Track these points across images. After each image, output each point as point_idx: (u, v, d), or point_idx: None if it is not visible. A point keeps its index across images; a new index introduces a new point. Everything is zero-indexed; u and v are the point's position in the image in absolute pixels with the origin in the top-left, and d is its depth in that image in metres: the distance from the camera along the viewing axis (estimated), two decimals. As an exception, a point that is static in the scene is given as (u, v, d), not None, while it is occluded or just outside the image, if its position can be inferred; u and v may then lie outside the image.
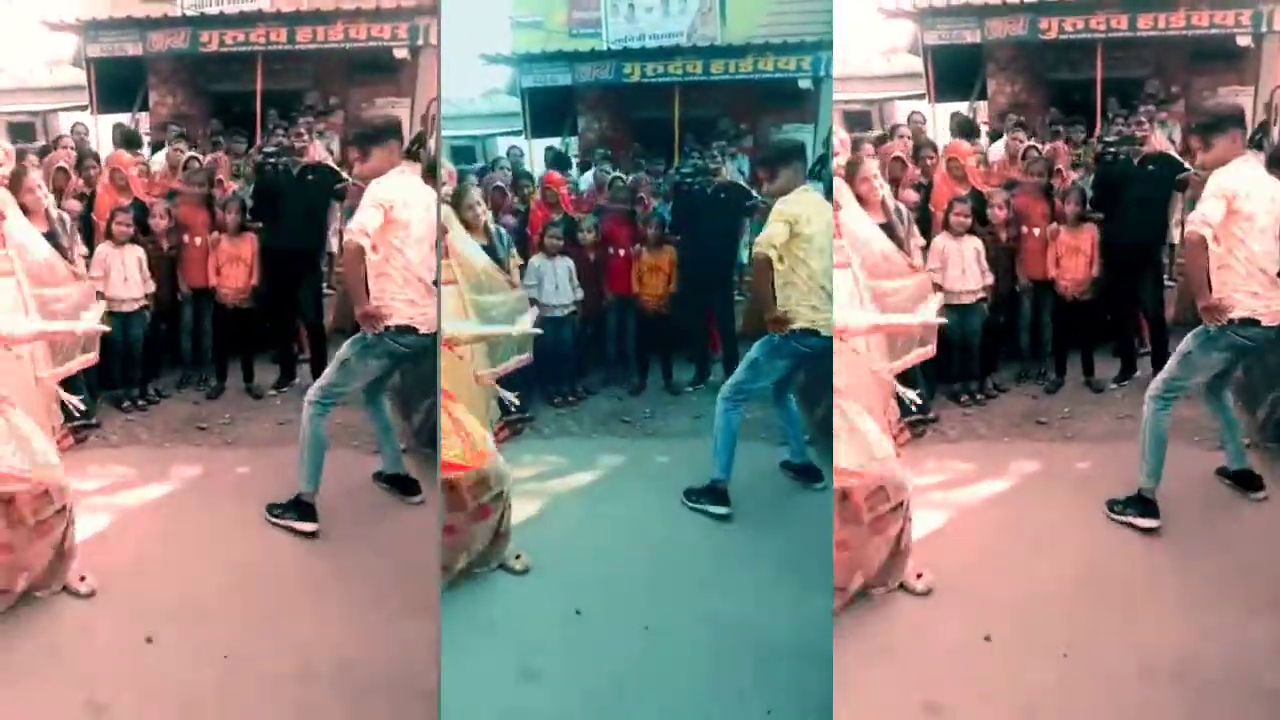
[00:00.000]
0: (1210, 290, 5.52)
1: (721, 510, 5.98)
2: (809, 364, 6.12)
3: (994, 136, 8.01)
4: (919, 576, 5.36)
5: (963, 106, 8.54)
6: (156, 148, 8.25)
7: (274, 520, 5.83)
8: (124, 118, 8.83)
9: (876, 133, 8.08)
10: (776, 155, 6.31)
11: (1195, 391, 5.89)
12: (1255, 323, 5.57)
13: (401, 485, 6.20)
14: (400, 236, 5.67)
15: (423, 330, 5.74)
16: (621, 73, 9.56)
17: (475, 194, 7.31)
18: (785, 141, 6.36)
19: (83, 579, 5.36)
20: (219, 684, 4.72)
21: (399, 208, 5.65)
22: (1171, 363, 5.80)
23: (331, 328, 7.09)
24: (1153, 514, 5.69)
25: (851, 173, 6.58)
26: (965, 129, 7.94)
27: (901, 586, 5.36)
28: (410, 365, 6.04)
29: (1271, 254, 5.57)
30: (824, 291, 5.89)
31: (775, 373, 6.07)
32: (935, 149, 7.77)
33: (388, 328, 5.66)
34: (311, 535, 5.72)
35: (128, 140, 8.15)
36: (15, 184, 6.79)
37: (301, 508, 5.81)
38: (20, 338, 5.58)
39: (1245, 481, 6.02)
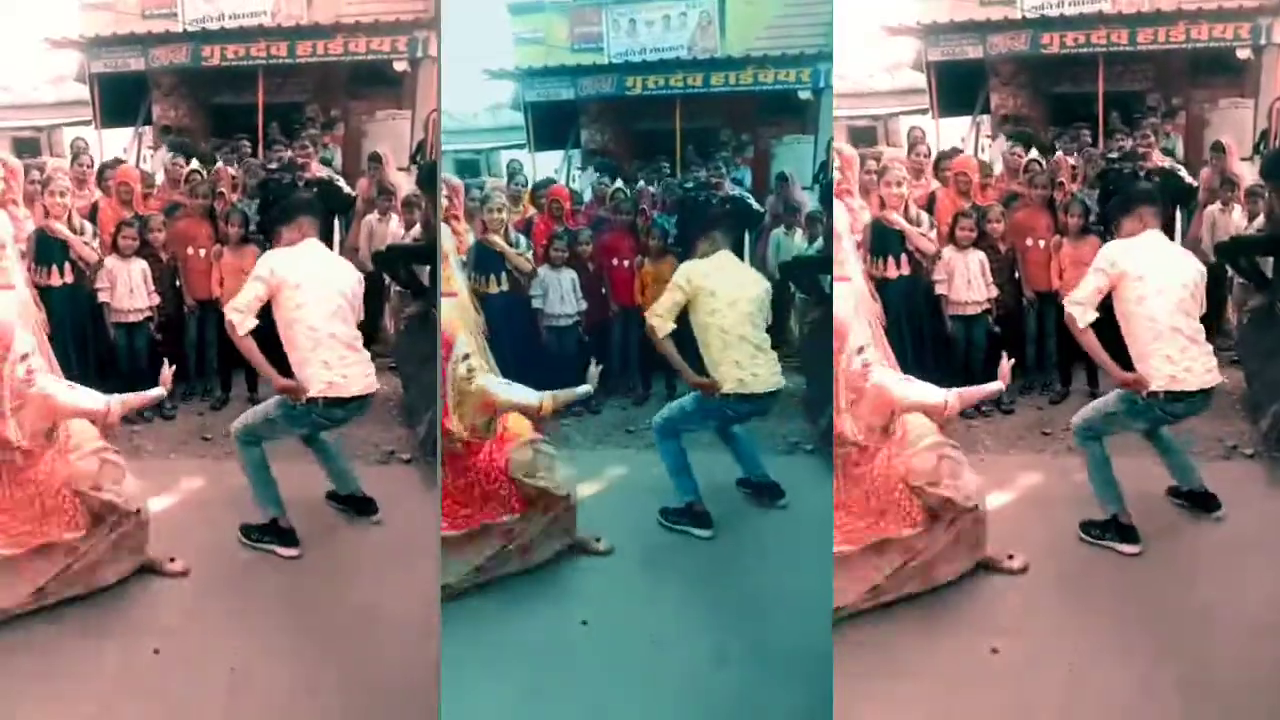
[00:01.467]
0: (1116, 365, 5.50)
1: (703, 533, 5.94)
2: (746, 419, 6.16)
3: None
4: (1011, 557, 5.51)
5: (966, 121, 8.58)
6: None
7: (251, 544, 5.79)
8: (127, 132, 8.87)
9: (881, 148, 8.10)
10: (696, 227, 6.40)
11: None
12: (1179, 396, 5.46)
13: (357, 505, 6.12)
14: (295, 301, 5.55)
15: (355, 390, 5.64)
16: (623, 86, 9.60)
17: (500, 198, 7.52)
18: (712, 212, 6.44)
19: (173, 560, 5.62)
20: (225, 696, 4.71)
21: (283, 273, 5.54)
22: (1094, 409, 5.71)
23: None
24: (1133, 539, 5.60)
25: (881, 175, 6.90)
26: (1022, 139, 7.96)
27: (989, 567, 5.48)
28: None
29: (1178, 311, 5.45)
30: (747, 344, 5.91)
31: (705, 428, 6.12)
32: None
33: (313, 400, 5.57)
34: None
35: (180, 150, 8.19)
36: (44, 185, 6.87)
37: (280, 532, 5.74)
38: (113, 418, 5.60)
39: (1200, 501, 5.90)
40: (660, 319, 5.93)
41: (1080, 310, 5.47)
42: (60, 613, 5.24)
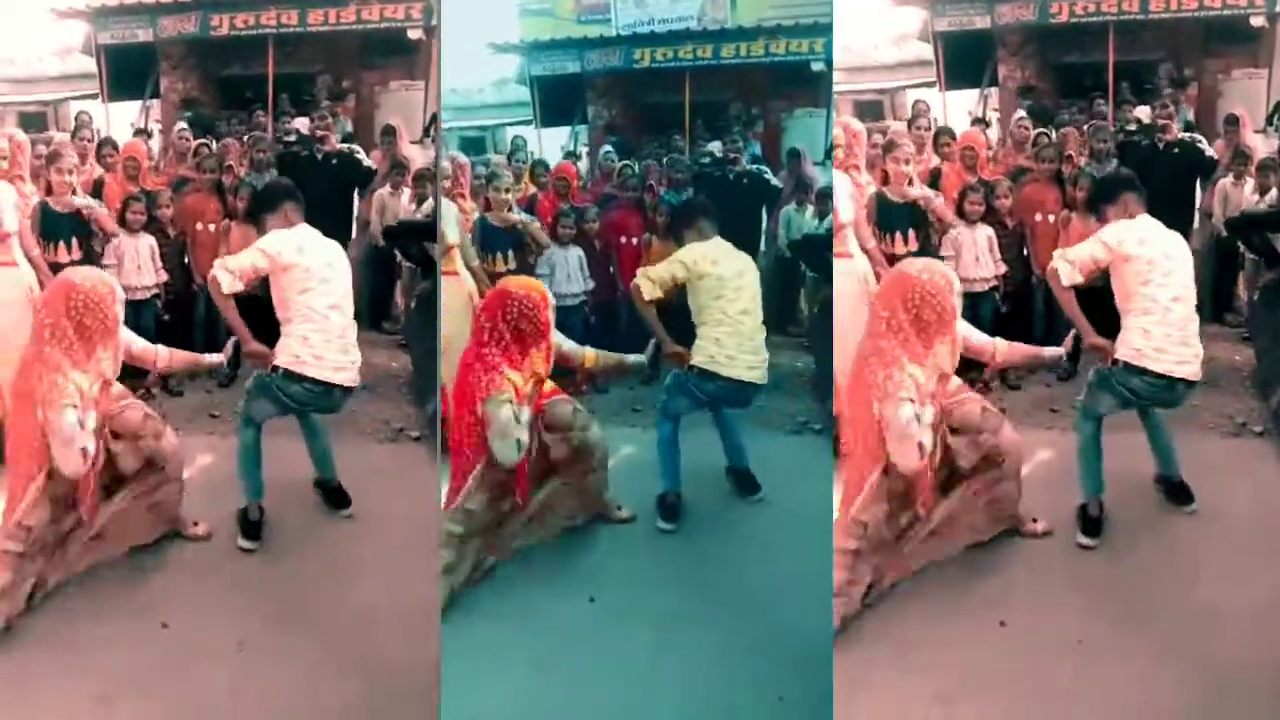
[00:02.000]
0: (1091, 328, 5.47)
1: (666, 526, 5.88)
2: (720, 404, 6.09)
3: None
4: (1035, 521, 5.55)
5: (974, 93, 8.54)
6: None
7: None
8: (135, 105, 8.85)
9: (888, 123, 8.07)
10: (680, 217, 6.33)
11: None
12: (1141, 372, 5.37)
13: (331, 496, 6.05)
14: (303, 283, 5.52)
15: (318, 374, 5.52)
16: (631, 58, 9.54)
17: (508, 177, 7.50)
18: (693, 201, 6.39)
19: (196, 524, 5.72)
20: (230, 677, 4.75)
21: (291, 254, 5.53)
22: (1086, 387, 5.66)
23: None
24: (1092, 532, 5.51)
25: (889, 150, 6.81)
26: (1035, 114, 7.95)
27: (1019, 534, 5.51)
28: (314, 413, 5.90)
29: (1178, 300, 5.38)
30: (741, 330, 5.85)
31: (681, 407, 5.99)
32: (954, 136, 7.74)
33: (275, 369, 5.53)
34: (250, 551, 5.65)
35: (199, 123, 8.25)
36: (52, 160, 6.87)
37: (245, 523, 5.71)
38: (161, 366, 5.70)
39: (1175, 494, 5.78)
40: (649, 283, 5.86)
41: (1068, 270, 5.43)
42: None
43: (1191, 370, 5.37)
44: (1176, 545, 5.48)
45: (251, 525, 5.69)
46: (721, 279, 5.85)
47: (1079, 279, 5.44)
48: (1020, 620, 4.93)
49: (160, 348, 5.58)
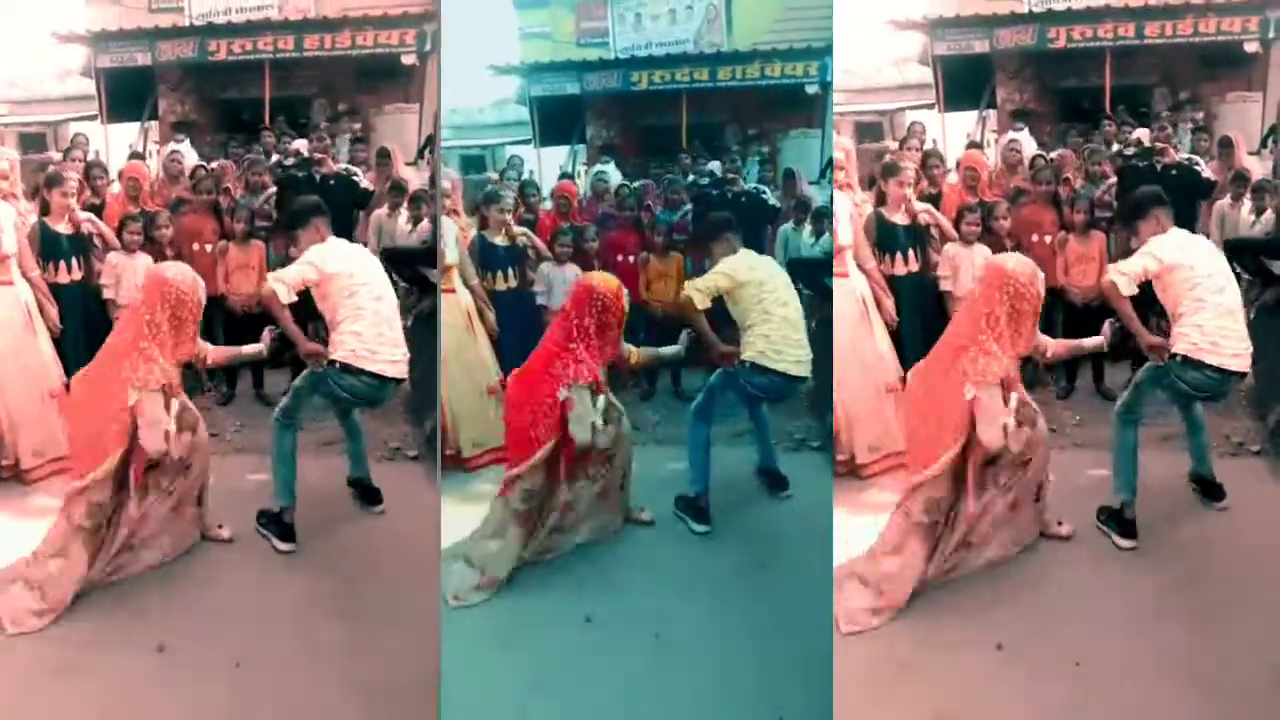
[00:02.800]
0: (1146, 330, 5.64)
1: (700, 528, 5.95)
2: (765, 400, 6.25)
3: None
4: (1060, 524, 5.69)
5: (972, 115, 8.58)
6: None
7: (259, 529, 5.85)
8: (134, 127, 8.88)
9: (887, 143, 8.10)
10: (706, 234, 6.44)
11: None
12: (1199, 365, 5.51)
13: (365, 493, 6.22)
14: (345, 284, 5.71)
15: (374, 367, 5.69)
16: (629, 81, 9.60)
17: (508, 198, 7.63)
18: (716, 216, 6.49)
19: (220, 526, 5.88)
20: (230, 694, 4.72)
21: (334, 264, 5.74)
22: (1129, 389, 5.80)
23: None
24: (1130, 533, 5.61)
25: (890, 173, 6.89)
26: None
27: (1042, 535, 5.66)
28: (365, 407, 6.09)
29: (1226, 299, 5.56)
30: (788, 324, 6.01)
31: (727, 404, 6.17)
32: (942, 159, 7.78)
33: (331, 363, 5.66)
34: (289, 553, 5.74)
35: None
36: (52, 182, 6.90)
37: (280, 525, 5.79)
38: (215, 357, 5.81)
39: (1208, 490, 5.95)
40: (699, 293, 6.07)
41: (1125, 281, 5.58)
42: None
43: (1243, 363, 5.58)
44: (1178, 556, 5.51)
45: (287, 527, 5.78)
46: (761, 283, 6.05)
47: (1133, 289, 5.60)
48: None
49: (204, 343, 5.69)
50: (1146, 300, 5.76)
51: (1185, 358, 5.52)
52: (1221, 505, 5.88)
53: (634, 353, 5.98)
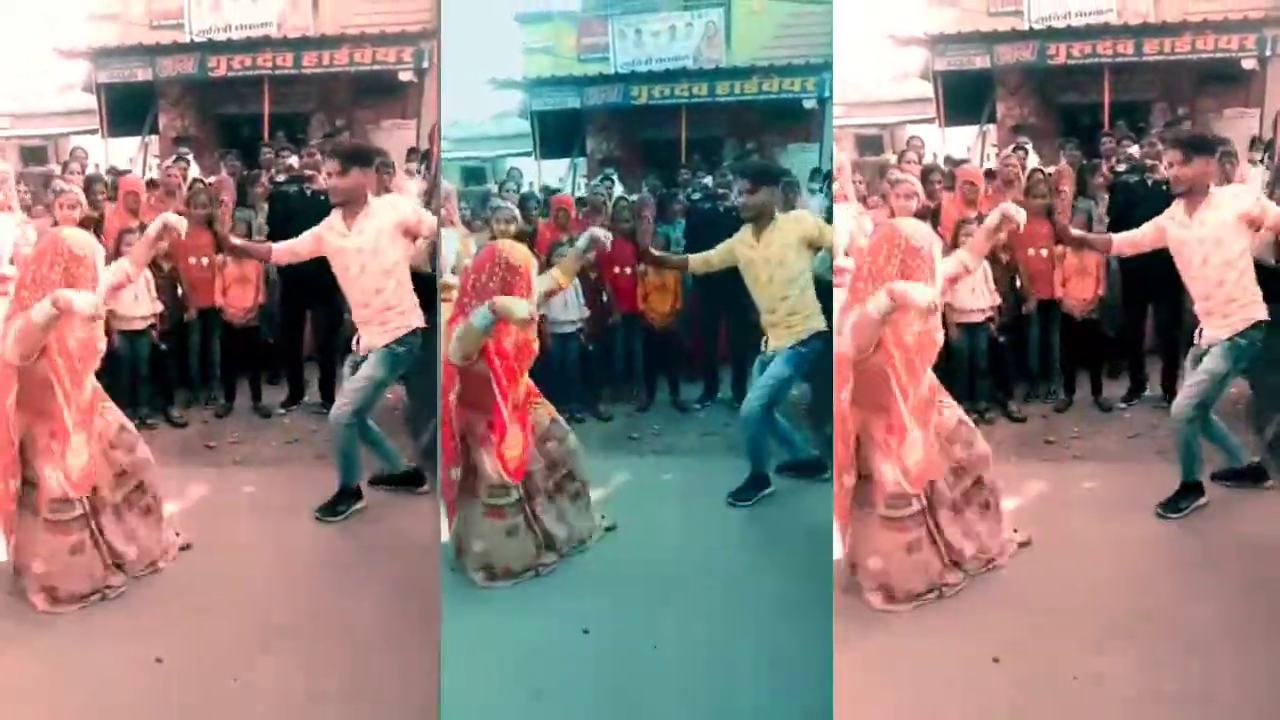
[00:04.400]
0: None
1: (769, 490, 6.16)
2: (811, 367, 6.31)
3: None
4: (1015, 530, 5.61)
5: (973, 130, 8.61)
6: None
7: (337, 517, 5.96)
8: (134, 141, 8.91)
9: (887, 155, 8.12)
10: (757, 173, 6.47)
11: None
12: (1258, 325, 5.66)
13: (410, 481, 6.33)
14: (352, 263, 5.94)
15: (415, 324, 5.96)
16: (629, 95, 9.65)
17: (512, 209, 7.63)
18: (766, 163, 6.54)
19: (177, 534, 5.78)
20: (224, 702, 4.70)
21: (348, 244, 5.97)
22: (1197, 385, 5.74)
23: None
24: (1198, 493, 5.79)
25: (894, 185, 6.91)
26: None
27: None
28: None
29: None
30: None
31: (791, 385, 6.25)
32: (942, 173, 7.79)
33: (404, 337, 5.87)
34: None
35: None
36: (57, 196, 6.93)
37: (353, 495, 6.01)
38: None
39: (1252, 476, 6.05)
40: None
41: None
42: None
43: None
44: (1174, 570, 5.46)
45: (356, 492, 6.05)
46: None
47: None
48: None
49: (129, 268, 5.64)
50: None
51: (1257, 322, 5.67)
52: (1269, 484, 6.03)
53: (560, 280, 5.84)
